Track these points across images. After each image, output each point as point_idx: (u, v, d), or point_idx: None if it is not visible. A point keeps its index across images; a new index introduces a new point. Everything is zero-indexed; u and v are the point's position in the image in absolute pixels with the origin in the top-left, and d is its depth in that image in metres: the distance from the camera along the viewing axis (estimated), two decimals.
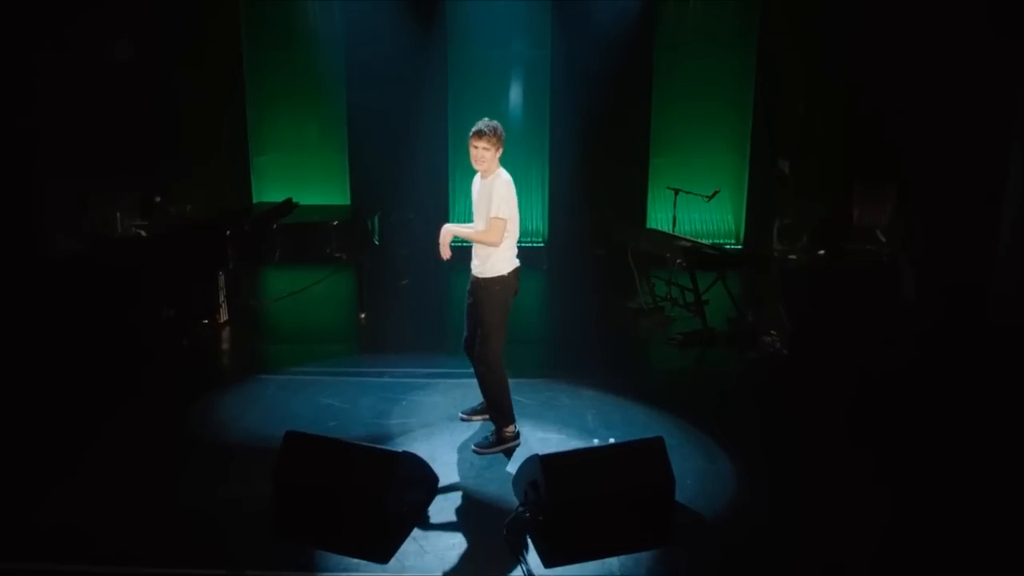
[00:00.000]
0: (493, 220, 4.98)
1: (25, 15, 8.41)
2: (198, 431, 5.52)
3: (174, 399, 5.98)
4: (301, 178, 10.18)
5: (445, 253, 5.12)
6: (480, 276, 5.14)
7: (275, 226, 7.19)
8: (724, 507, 4.63)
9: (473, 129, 4.99)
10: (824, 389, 6.33)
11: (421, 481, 4.54)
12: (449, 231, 5.11)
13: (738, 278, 8.60)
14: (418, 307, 8.44)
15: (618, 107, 9.85)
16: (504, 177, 5.07)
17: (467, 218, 5.50)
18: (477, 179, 5.24)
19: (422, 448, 5.16)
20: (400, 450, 4.33)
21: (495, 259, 5.08)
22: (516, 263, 5.19)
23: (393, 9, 9.58)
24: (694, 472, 4.95)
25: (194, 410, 5.81)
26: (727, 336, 7.44)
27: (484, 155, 4.98)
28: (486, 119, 5.01)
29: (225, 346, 7.34)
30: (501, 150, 5.03)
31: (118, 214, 8.52)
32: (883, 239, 9.92)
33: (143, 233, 8.24)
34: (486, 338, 5.15)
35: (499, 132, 4.99)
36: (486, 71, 10.08)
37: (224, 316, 7.67)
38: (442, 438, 5.39)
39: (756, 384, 6.59)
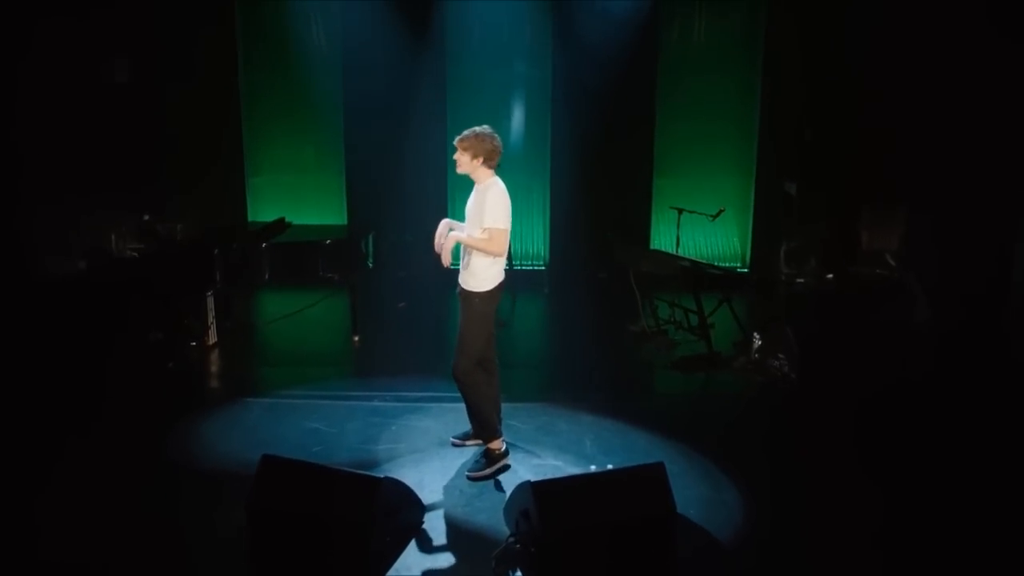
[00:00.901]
0: (493, 231, 4.79)
1: (19, 31, 8.27)
2: (176, 455, 5.27)
3: (155, 422, 5.73)
4: (298, 199, 9.98)
5: (446, 260, 4.92)
6: (465, 288, 4.98)
7: (264, 245, 6.95)
8: (729, 537, 4.35)
9: None
10: (834, 414, 6.04)
11: (405, 509, 4.27)
12: (453, 238, 4.88)
13: (744, 301, 8.34)
14: (414, 330, 8.18)
15: (620, 127, 9.64)
16: (498, 186, 4.91)
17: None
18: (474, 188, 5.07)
19: (410, 474, 4.90)
20: (383, 476, 4.06)
21: (484, 272, 4.90)
22: (502, 277, 5.00)
23: (391, 29, 9.42)
24: (698, 501, 4.68)
25: (174, 433, 5.56)
26: (733, 360, 7.16)
27: (459, 158, 4.88)
28: (482, 126, 4.91)
29: (212, 368, 7.09)
30: (483, 157, 4.85)
31: (113, 236, 8.29)
32: (893, 263, 9.66)
33: (136, 255, 8.01)
34: (459, 349, 4.98)
35: (480, 137, 4.83)
36: (485, 91, 9.88)
37: (213, 338, 7.43)
38: (431, 464, 5.12)
39: (763, 409, 6.31)
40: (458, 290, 5.06)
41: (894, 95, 8.93)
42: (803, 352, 6.78)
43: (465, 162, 4.86)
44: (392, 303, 8.87)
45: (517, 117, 10.05)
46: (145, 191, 8.84)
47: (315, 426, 5.68)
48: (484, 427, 5.12)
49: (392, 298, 8.94)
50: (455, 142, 4.89)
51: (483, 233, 4.82)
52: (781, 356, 6.89)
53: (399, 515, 4.17)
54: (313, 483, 4.02)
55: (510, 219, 4.90)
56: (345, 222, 9.83)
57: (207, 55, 9.35)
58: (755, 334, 7.32)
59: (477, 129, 4.86)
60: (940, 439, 5.58)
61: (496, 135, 4.89)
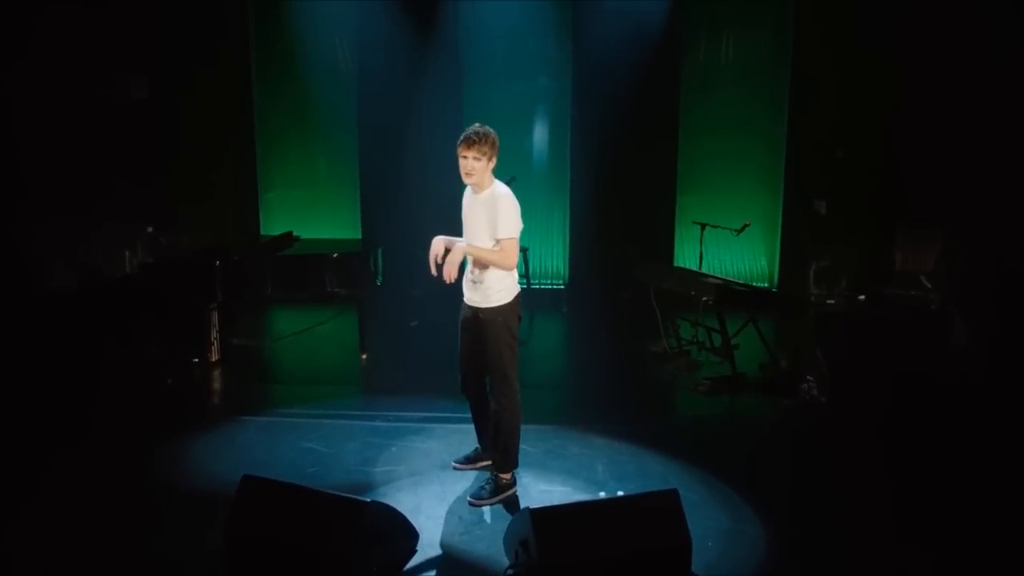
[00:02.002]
0: (507, 242, 4.45)
1: (36, 48, 8.15)
2: (164, 474, 5.01)
3: (146, 440, 5.46)
4: (311, 214, 9.80)
5: (451, 275, 4.42)
6: (480, 307, 4.59)
7: (266, 258, 6.68)
8: (750, 573, 3.96)
9: (462, 137, 4.46)
10: (865, 441, 5.62)
11: (395, 536, 3.94)
12: (461, 251, 4.46)
13: (771, 321, 7.96)
14: (425, 349, 7.84)
15: (642, 141, 9.31)
16: (503, 190, 4.55)
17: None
18: (468, 194, 4.71)
19: (407, 499, 4.59)
20: (369, 499, 3.74)
21: (497, 286, 4.54)
22: (518, 288, 4.66)
23: (406, 41, 9.20)
24: (717, 532, 4.31)
25: (164, 452, 5.30)
26: (759, 382, 6.78)
27: (475, 166, 4.44)
28: (476, 124, 4.52)
29: (212, 386, 6.83)
30: (495, 161, 4.51)
31: (117, 249, 8.09)
32: (928, 285, 9.25)
33: (137, 268, 7.80)
34: (503, 376, 4.58)
35: (492, 139, 4.46)
36: (503, 103, 9.60)
37: (216, 355, 7.18)
38: (430, 488, 4.79)
39: (790, 435, 5.91)
40: (469, 313, 4.66)
41: (929, 111, 8.58)
42: (833, 375, 6.39)
43: (481, 169, 4.46)
44: (405, 321, 8.57)
45: (536, 130, 9.83)
46: (156, 206, 8.68)
47: (311, 446, 5.39)
48: (505, 456, 4.71)
49: (405, 316, 8.64)
50: (468, 150, 4.41)
51: (496, 245, 4.48)
52: (810, 379, 6.51)
53: (388, 542, 3.84)
54: (295, 506, 3.73)
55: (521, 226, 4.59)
56: (359, 236, 9.58)
57: (220, 69, 9.19)
58: (782, 356, 6.94)
59: (481, 130, 4.46)
60: (982, 470, 5.14)
61: None
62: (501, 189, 4.55)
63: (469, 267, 4.64)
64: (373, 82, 9.38)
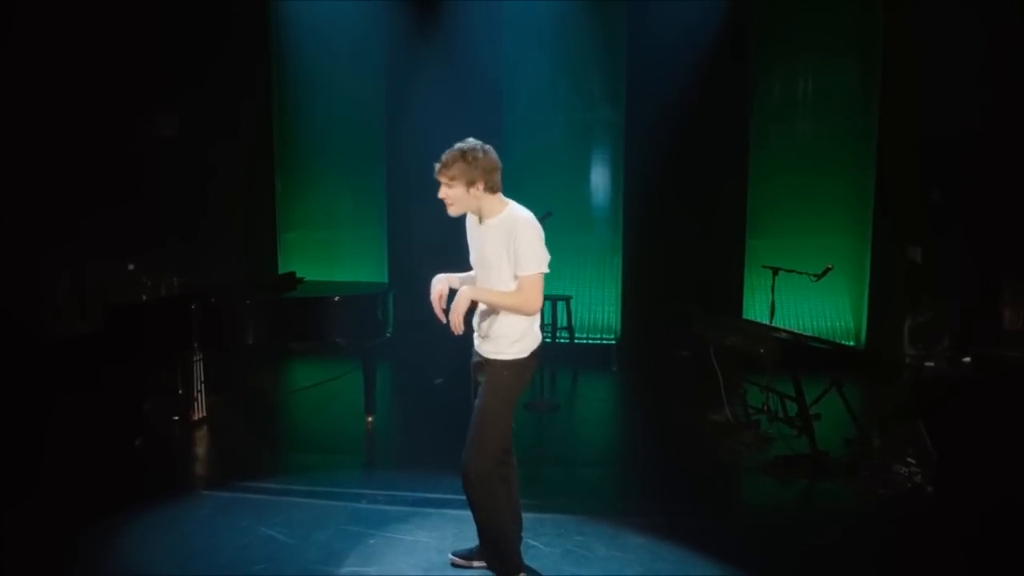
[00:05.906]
0: (529, 279, 3.48)
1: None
2: (79, 561, 4.04)
3: (77, 517, 4.49)
4: (334, 257, 9.03)
5: (457, 326, 3.47)
6: (492, 357, 3.62)
7: (249, 301, 5.70)
8: None
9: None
10: (984, 544, 4.29)
11: None
12: (467, 297, 3.49)
13: (859, 387, 6.66)
14: (446, 412, 6.75)
15: (707, 180, 8.22)
16: (522, 214, 3.57)
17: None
18: (471, 222, 3.73)
19: None
20: None
21: (516, 332, 3.59)
22: (539, 338, 3.67)
23: (439, 73, 8.34)
24: None
25: (96, 530, 4.33)
26: (845, 464, 5.49)
27: (448, 193, 3.54)
28: (464, 141, 3.58)
29: (186, 449, 5.84)
30: (481, 181, 3.50)
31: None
32: None
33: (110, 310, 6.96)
34: (476, 441, 3.60)
35: (468, 156, 3.48)
36: (548, 141, 8.63)
37: (200, 413, 6.24)
38: None
39: (884, 532, 4.59)
40: (476, 360, 3.73)
41: None
42: (942, 455, 5.07)
43: (459, 196, 3.52)
44: (428, 378, 7.49)
45: (584, 168, 8.80)
46: (169, 249, 7.91)
47: (271, 533, 4.32)
48: (501, 559, 3.70)
49: (430, 373, 7.56)
50: (438, 175, 3.53)
51: (515, 283, 3.52)
52: (911, 461, 5.21)
53: None
54: None
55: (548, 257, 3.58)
56: (385, 280, 8.67)
57: (238, 101, 8.49)
58: (874, 430, 5.64)
59: (450, 152, 3.52)
60: None
61: (485, 145, 3.56)
62: (519, 212, 3.58)
63: (480, 311, 3.67)
64: (402, 116, 8.56)
